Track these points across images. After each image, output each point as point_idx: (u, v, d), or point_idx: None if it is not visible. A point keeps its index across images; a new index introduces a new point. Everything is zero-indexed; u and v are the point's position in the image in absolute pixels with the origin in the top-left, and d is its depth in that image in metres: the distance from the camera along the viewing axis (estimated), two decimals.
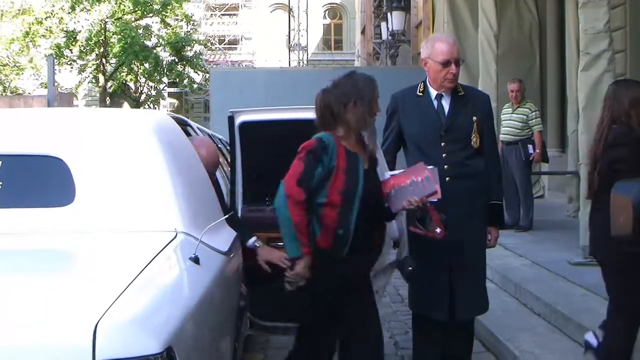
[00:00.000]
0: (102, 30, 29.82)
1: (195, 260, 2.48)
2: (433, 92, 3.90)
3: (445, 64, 3.80)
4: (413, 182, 3.28)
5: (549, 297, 5.28)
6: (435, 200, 3.28)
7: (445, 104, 3.88)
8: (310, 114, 4.07)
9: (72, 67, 30.59)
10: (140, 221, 2.72)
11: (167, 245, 2.53)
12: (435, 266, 3.87)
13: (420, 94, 3.93)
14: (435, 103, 3.89)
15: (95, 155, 2.88)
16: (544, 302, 5.22)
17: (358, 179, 3.19)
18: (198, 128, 5.13)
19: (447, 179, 3.80)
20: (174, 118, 3.79)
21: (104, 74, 30.79)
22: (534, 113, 8.56)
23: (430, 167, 3.33)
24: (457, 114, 3.85)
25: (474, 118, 3.84)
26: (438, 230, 3.34)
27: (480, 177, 3.87)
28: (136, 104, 33.42)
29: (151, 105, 34.75)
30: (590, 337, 3.93)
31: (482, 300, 3.96)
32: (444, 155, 3.83)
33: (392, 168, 4.04)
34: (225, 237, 3.12)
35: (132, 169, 2.86)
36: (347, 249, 3.16)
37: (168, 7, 30.86)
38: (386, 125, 4.10)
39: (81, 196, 2.74)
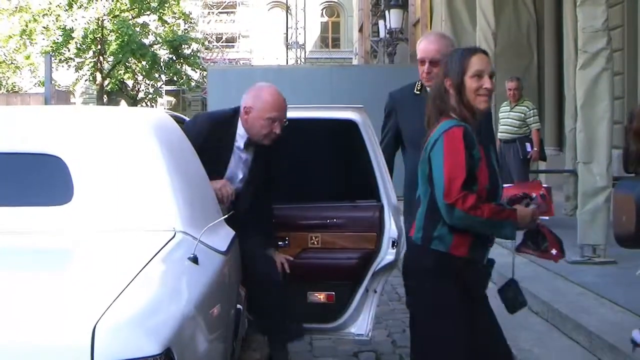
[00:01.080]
0: (99, 28, 29.77)
1: (194, 260, 2.47)
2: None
3: (421, 62, 3.79)
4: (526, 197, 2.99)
5: (547, 295, 5.29)
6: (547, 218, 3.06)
7: None
8: (308, 113, 4.07)
9: (69, 65, 30.54)
10: (138, 220, 2.71)
11: (165, 244, 2.52)
12: None
13: (417, 92, 3.91)
14: None
15: (93, 154, 2.87)
16: (542, 301, 5.23)
17: (496, 172, 2.86)
18: None
19: None
20: (172, 116, 3.78)
21: (101, 72, 30.74)
22: (531, 111, 8.57)
23: (546, 185, 3.18)
24: None
25: None
26: (554, 251, 3.09)
27: None
28: (133, 101, 33.39)
29: (148, 103, 34.70)
30: (636, 334, 3.89)
31: None
32: None
33: (390, 167, 4.03)
34: (224, 236, 3.11)
35: (130, 167, 2.85)
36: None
37: (165, 5, 30.84)
38: (384, 124, 4.09)
39: (79, 195, 2.72)
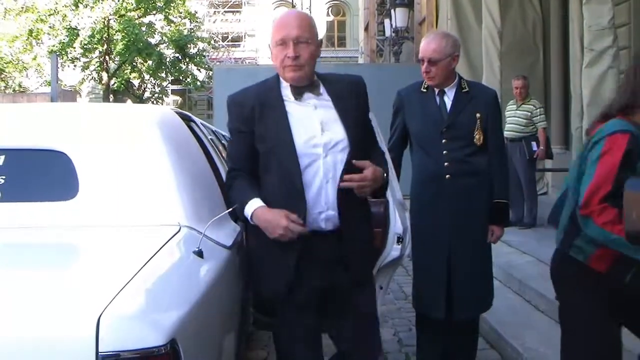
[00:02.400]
0: (106, 28, 29.83)
1: (199, 254, 2.48)
2: (437, 89, 3.88)
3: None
4: None
5: (553, 294, 5.27)
6: None
7: (448, 100, 3.85)
8: None
9: (75, 65, 30.60)
10: (143, 215, 2.72)
11: (170, 239, 2.52)
12: (432, 264, 3.87)
13: (424, 90, 3.92)
14: (437, 99, 3.87)
15: (98, 150, 2.88)
16: (548, 299, 5.21)
17: None
18: (202, 124, 5.12)
19: (447, 176, 3.79)
20: (177, 113, 3.78)
21: (107, 72, 30.80)
22: (538, 110, 8.54)
23: None
24: (460, 110, 3.82)
25: (478, 115, 3.80)
26: None
27: (482, 175, 3.83)
28: (140, 101, 33.42)
29: (155, 103, 34.77)
30: None
31: (481, 300, 3.90)
32: (444, 152, 3.80)
33: (397, 166, 4.02)
34: (229, 231, 3.11)
35: (135, 163, 2.86)
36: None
37: (171, 4, 30.87)
38: (392, 122, 4.09)
39: (85, 190, 2.74)
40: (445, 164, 3.80)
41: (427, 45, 3.83)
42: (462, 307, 3.83)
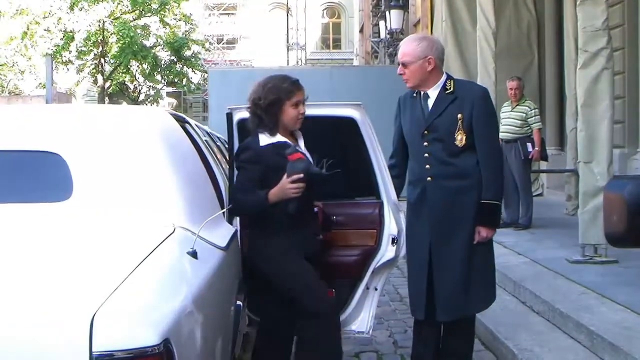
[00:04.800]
0: (101, 30, 29.81)
1: (193, 254, 2.48)
2: (421, 91, 3.89)
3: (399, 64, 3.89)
4: None
5: (548, 295, 5.28)
6: None
7: (430, 102, 3.85)
8: (309, 111, 4.07)
9: (68, 69, 30.54)
10: (138, 216, 2.71)
11: (165, 239, 2.52)
12: (414, 264, 3.88)
13: (415, 95, 3.93)
14: (422, 102, 3.88)
15: (93, 151, 2.88)
16: (543, 300, 5.22)
17: None
18: (196, 125, 5.12)
19: (428, 179, 3.78)
20: (172, 115, 3.78)
21: (102, 74, 30.78)
22: (533, 111, 8.56)
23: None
24: (439, 112, 3.78)
25: (459, 116, 3.74)
26: None
27: (469, 177, 3.79)
28: (135, 103, 33.40)
29: (150, 105, 34.75)
30: None
31: (464, 301, 3.80)
32: (425, 155, 3.79)
33: (400, 172, 4.02)
34: (223, 232, 3.11)
35: (130, 164, 2.86)
36: None
37: (166, 7, 30.86)
38: (394, 128, 4.11)
39: (79, 191, 2.73)
40: (427, 166, 3.79)
41: (401, 48, 3.91)
42: (442, 308, 3.80)
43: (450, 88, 3.82)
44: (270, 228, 3.54)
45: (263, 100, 3.52)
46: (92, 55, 30.72)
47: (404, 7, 19.80)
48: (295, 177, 3.35)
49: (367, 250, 4.00)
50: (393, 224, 3.97)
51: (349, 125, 3.92)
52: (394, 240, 3.97)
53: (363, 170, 3.96)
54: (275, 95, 3.52)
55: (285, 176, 3.38)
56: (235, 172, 3.64)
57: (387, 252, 3.98)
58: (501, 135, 8.44)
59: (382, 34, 21.81)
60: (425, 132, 3.79)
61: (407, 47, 3.84)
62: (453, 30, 9.93)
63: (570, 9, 7.89)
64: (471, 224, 3.77)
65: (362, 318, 4.07)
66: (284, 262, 3.53)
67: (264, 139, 3.55)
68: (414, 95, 3.92)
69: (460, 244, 3.77)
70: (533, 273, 6.08)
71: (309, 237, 3.63)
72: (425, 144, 3.80)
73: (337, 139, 4.12)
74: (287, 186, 3.37)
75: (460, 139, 3.74)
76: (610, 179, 2.78)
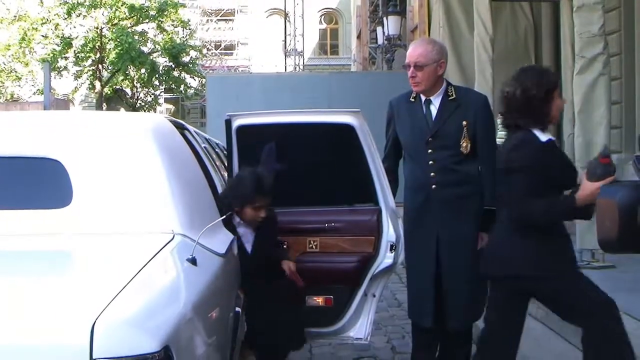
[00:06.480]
0: (98, 36, 29.80)
1: (193, 261, 2.48)
2: (423, 97, 3.88)
3: (407, 67, 3.82)
4: None
5: None
6: None
7: (434, 109, 3.84)
8: (305, 117, 4.08)
9: (62, 75, 30.48)
10: (137, 223, 2.72)
11: (164, 246, 2.53)
12: (420, 272, 3.87)
13: (412, 99, 3.92)
14: (424, 109, 3.87)
15: (92, 157, 2.89)
16: (541, 305, 5.21)
17: None
18: (195, 132, 5.14)
19: (433, 186, 3.79)
20: (170, 121, 3.79)
21: (100, 80, 30.76)
22: None
23: None
24: (445, 119, 3.80)
25: (464, 123, 3.78)
26: None
27: (473, 183, 3.81)
28: (132, 109, 33.36)
29: (147, 111, 34.71)
30: None
31: (472, 308, 3.82)
32: (430, 162, 3.80)
33: (392, 175, 4.03)
34: (222, 239, 3.12)
35: (129, 171, 2.87)
36: None
37: (164, 13, 30.85)
38: (386, 132, 4.10)
39: (78, 198, 2.74)
40: (432, 173, 3.79)
41: (413, 50, 3.85)
42: (452, 315, 3.81)
43: (452, 94, 3.84)
44: (557, 240, 3.14)
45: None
46: (89, 61, 30.69)
47: (402, 13, 19.81)
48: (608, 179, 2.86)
49: (365, 257, 4.01)
50: (391, 230, 3.98)
51: (347, 132, 3.93)
52: (392, 247, 3.98)
53: (361, 177, 3.97)
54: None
55: (587, 178, 2.93)
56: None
57: (385, 258, 3.99)
58: (498, 141, 8.45)
59: (380, 40, 21.81)
60: (430, 139, 3.79)
61: (422, 49, 3.80)
62: (450, 36, 9.94)
63: (567, 15, 7.88)
64: (475, 230, 3.80)
65: (360, 324, 4.08)
66: (577, 275, 3.20)
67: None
68: (412, 100, 3.91)
69: (467, 251, 3.79)
70: None
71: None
72: (430, 151, 3.80)
73: (335, 146, 4.13)
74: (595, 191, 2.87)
75: (465, 145, 3.77)
76: (603, 185, 2.80)
